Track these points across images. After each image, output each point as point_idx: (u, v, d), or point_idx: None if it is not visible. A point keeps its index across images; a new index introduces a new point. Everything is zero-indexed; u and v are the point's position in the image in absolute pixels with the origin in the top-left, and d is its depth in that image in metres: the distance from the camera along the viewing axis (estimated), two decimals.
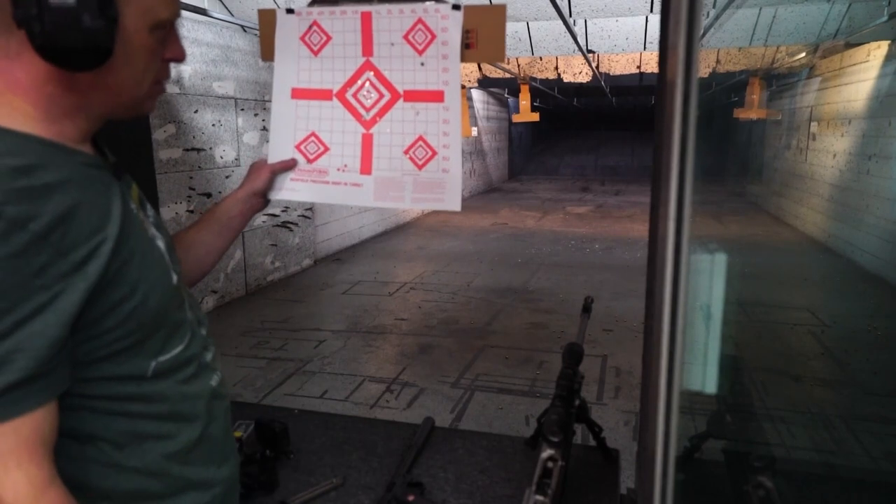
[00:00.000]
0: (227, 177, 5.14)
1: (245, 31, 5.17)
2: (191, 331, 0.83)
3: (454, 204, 1.12)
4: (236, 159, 5.24)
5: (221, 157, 5.07)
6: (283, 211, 5.96)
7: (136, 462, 0.75)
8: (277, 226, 5.91)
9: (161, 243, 0.80)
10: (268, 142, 1.20)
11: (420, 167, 1.13)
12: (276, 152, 1.19)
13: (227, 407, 0.90)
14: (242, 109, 5.28)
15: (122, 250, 0.69)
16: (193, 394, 0.81)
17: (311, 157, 1.17)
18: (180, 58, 0.77)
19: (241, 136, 5.29)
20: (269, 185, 1.14)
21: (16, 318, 0.59)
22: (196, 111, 4.75)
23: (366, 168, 1.16)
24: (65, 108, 0.69)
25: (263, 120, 5.53)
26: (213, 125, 4.95)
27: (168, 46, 0.75)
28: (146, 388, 0.75)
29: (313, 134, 1.17)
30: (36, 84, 0.66)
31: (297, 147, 1.18)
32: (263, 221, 5.66)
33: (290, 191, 1.17)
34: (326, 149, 1.17)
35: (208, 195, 4.93)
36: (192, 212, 4.74)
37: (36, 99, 0.67)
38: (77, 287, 0.63)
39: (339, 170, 1.17)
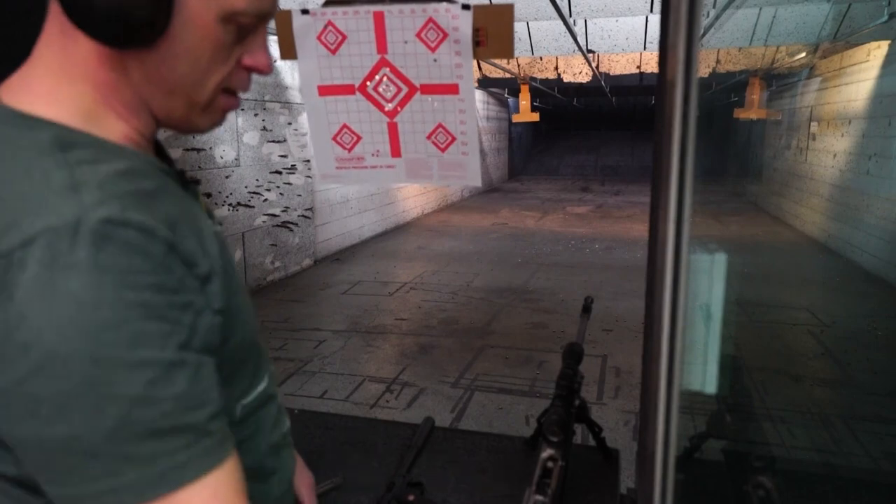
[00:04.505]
0: (226, 177, 5.14)
1: None
2: (268, 364, 0.71)
3: (475, 180, 1.24)
4: (236, 159, 5.24)
5: (221, 157, 5.07)
6: (283, 211, 5.96)
7: None
8: (277, 226, 5.91)
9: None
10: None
11: (443, 150, 1.24)
12: (317, 144, 1.29)
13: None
14: (242, 109, 5.28)
15: (228, 269, 0.59)
16: (276, 443, 0.70)
17: (347, 146, 1.28)
18: (263, 69, 0.62)
19: (241, 136, 5.29)
20: None
21: (179, 340, 0.50)
22: None
23: (396, 152, 1.27)
24: (126, 101, 0.58)
25: (263, 120, 5.53)
26: None
27: (249, 51, 0.61)
28: (236, 433, 0.61)
29: (345, 125, 1.27)
30: (91, 68, 0.56)
31: (334, 139, 1.28)
32: (263, 221, 5.66)
33: (337, 178, 1.29)
34: (359, 138, 1.27)
35: (208, 195, 4.92)
36: None
37: (95, 86, 0.56)
38: (209, 302, 0.55)
39: (373, 155, 1.28)
